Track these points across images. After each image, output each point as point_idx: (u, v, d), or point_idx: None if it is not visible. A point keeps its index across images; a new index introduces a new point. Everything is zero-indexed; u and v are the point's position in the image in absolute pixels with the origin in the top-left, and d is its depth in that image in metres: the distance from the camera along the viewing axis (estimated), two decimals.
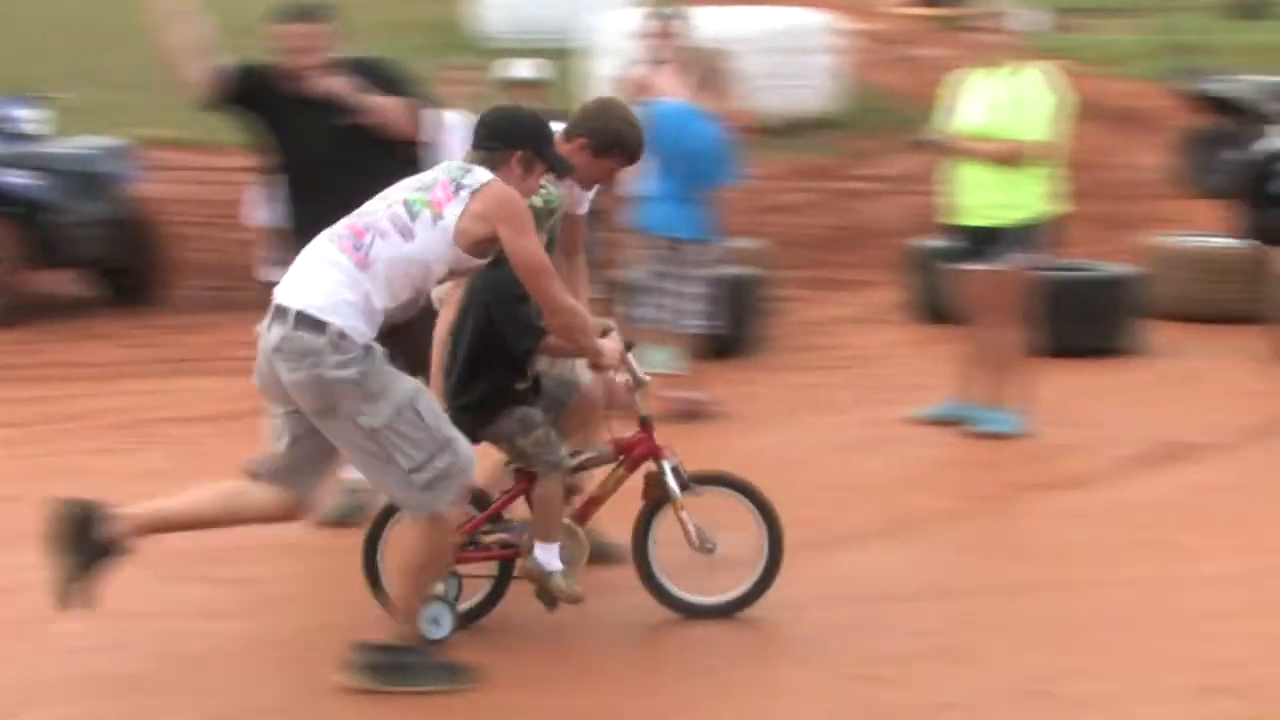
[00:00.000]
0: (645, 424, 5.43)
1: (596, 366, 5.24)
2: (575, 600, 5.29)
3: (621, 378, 5.39)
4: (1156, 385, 8.88)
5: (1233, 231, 10.56)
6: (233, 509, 4.97)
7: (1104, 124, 18.35)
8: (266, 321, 4.79)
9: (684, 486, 5.37)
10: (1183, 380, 8.95)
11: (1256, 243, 10.18)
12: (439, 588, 5.15)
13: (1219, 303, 10.12)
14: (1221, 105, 14.79)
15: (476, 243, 4.81)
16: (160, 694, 4.79)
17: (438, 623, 5.14)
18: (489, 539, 5.34)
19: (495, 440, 5.30)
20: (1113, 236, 12.78)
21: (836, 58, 16.94)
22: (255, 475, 4.93)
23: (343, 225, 4.88)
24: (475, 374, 5.26)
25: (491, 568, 5.36)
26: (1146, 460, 7.44)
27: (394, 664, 4.88)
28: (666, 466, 5.37)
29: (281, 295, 4.79)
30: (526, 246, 4.84)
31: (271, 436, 4.90)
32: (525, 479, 5.33)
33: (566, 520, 5.39)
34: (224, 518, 5.00)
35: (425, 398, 4.84)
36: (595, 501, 5.51)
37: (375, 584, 5.30)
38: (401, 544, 4.97)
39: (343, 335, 4.71)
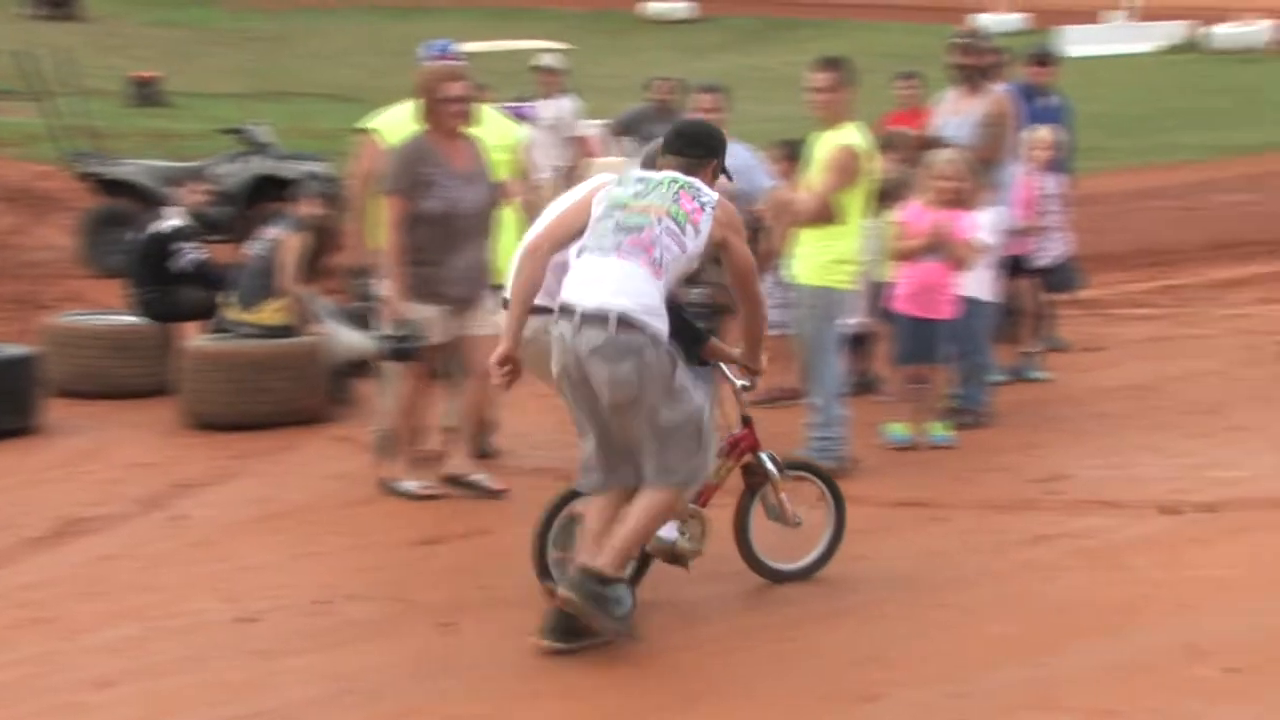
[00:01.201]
0: (747, 422, 6.49)
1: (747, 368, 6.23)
2: (698, 554, 6.35)
3: (740, 382, 6.38)
4: (58, 463, 8.91)
5: (131, 309, 10.83)
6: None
7: (12, 205, 18.13)
8: (569, 327, 5.65)
9: (780, 472, 6.51)
10: (84, 456, 9.05)
11: (151, 319, 10.56)
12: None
13: (120, 378, 10.35)
14: (116, 187, 15.24)
15: (710, 248, 5.79)
16: None
17: (621, 601, 5.85)
18: (646, 548, 6.21)
19: None
20: (22, 316, 12.70)
21: None
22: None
23: (624, 241, 5.70)
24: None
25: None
26: (46, 539, 7.46)
27: (602, 594, 5.74)
28: (765, 457, 6.50)
29: (590, 303, 5.61)
30: (746, 251, 5.92)
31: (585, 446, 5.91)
32: None
33: (691, 505, 6.26)
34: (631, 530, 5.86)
35: (709, 401, 5.95)
36: (711, 489, 6.38)
37: (544, 572, 6.26)
38: (646, 503, 5.82)
39: (657, 335, 5.66)
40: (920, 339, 8.85)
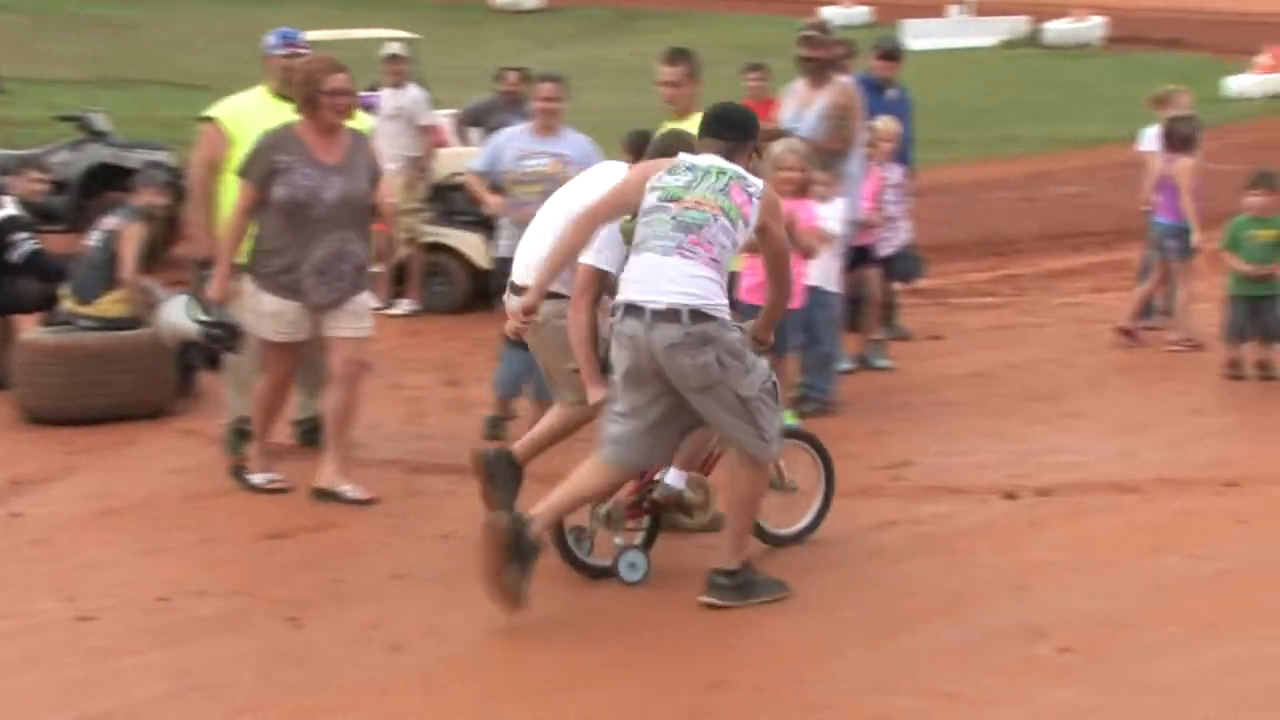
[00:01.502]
0: None
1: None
2: (706, 516, 6.97)
3: None
4: None
5: None
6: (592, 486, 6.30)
7: None
8: (639, 325, 6.01)
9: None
10: None
11: None
12: (618, 539, 6.61)
13: None
14: None
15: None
16: None
17: (635, 566, 6.57)
18: (655, 495, 6.70)
19: None
20: None
21: None
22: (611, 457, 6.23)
23: (683, 238, 6.02)
24: None
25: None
26: None
27: (742, 583, 6.25)
28: None
29: (661, 302, 5.98)
30: (783, 235, 6.35)
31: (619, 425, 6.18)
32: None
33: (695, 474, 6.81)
34: (590, 494, 6.36)
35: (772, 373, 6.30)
36: (714, 458, 6.86)
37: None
38: (750, 487, 6.30)
39: (724, 318, 6.04)
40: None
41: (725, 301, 6.13)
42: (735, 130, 6.35)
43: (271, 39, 8.70)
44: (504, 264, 9.24)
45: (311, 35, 10.24)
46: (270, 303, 7.71)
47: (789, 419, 8.97)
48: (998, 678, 5.60)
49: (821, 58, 10.00)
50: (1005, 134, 25.90)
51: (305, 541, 7.29)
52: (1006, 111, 28.61)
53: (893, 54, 11.64)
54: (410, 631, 6.10)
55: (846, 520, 7.36)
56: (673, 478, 6.74)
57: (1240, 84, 31.53)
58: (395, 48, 13.65)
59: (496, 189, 9.68)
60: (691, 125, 8.27)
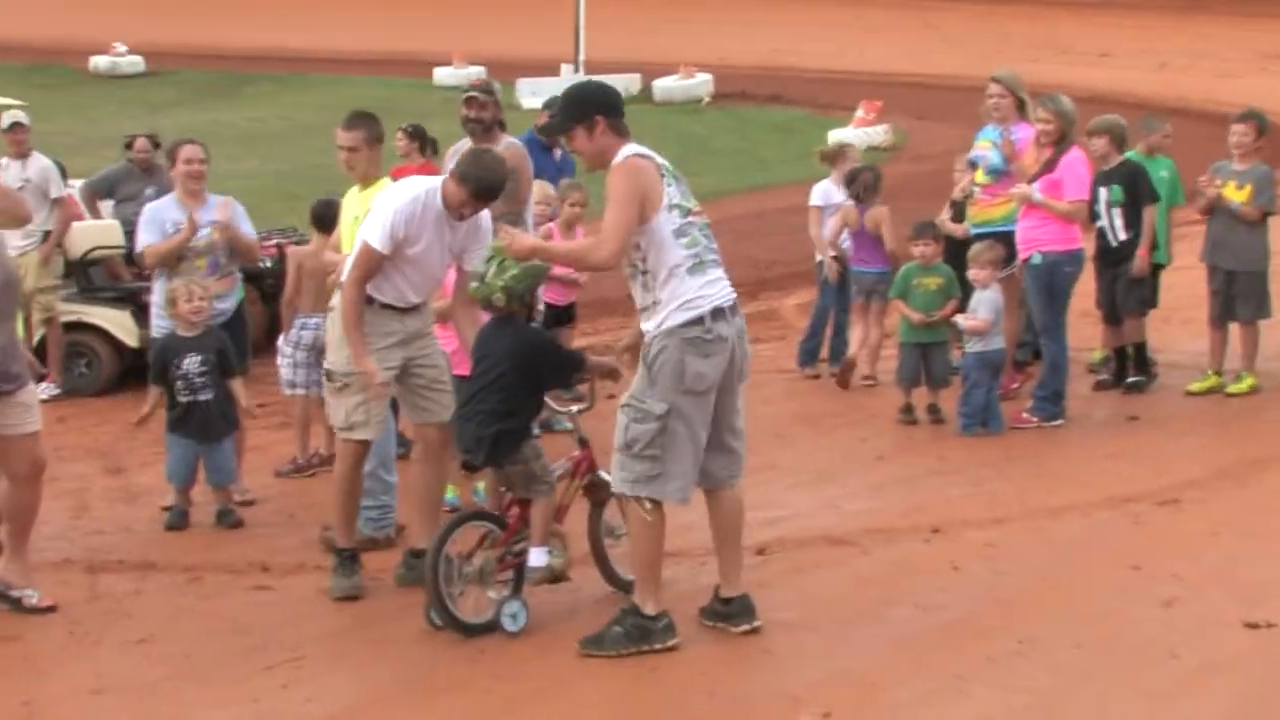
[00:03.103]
0: (585, 443, 7.22)
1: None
2: (568, 571, 7.00)
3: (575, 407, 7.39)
4: None
5: None
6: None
7: None
8: (728, 326, 6.43)
9: None
10: None
11: None
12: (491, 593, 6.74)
13: None
14: None
15: None
16: None
17: (516, 616, 6.74)
18: (516, 548, 6.81)
19: (515, 462, 6.81)
20: None
21: None
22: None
23: (711, 247, 6.51)
24: (519, 406, 6.80)
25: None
26: None
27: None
28: (604, 474, 6.98)
29: (730, 297, 6.49)
30: None
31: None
32: (520, 504, 6.88)
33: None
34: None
35: None
36: (564, 508, 7.08)
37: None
38: (739, 512, 6.82)
39: None
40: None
41: None
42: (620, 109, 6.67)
43: None
44: (167, 341, 8.75)
45: None
46: None
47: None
48: None
49: (488, 118, 9.79)
50: None
51: None
52: None
53: None
54: None
55: (565, 598, 7.11)
56: (536, 557, 6.78)
57: (842, 136, 32.79)
58: (17, 115, 12.78)
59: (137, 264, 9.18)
60: (374, 192, 7.96)
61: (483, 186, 7.12)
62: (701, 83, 38.23)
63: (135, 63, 39.40)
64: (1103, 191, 10.66)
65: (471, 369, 6.98)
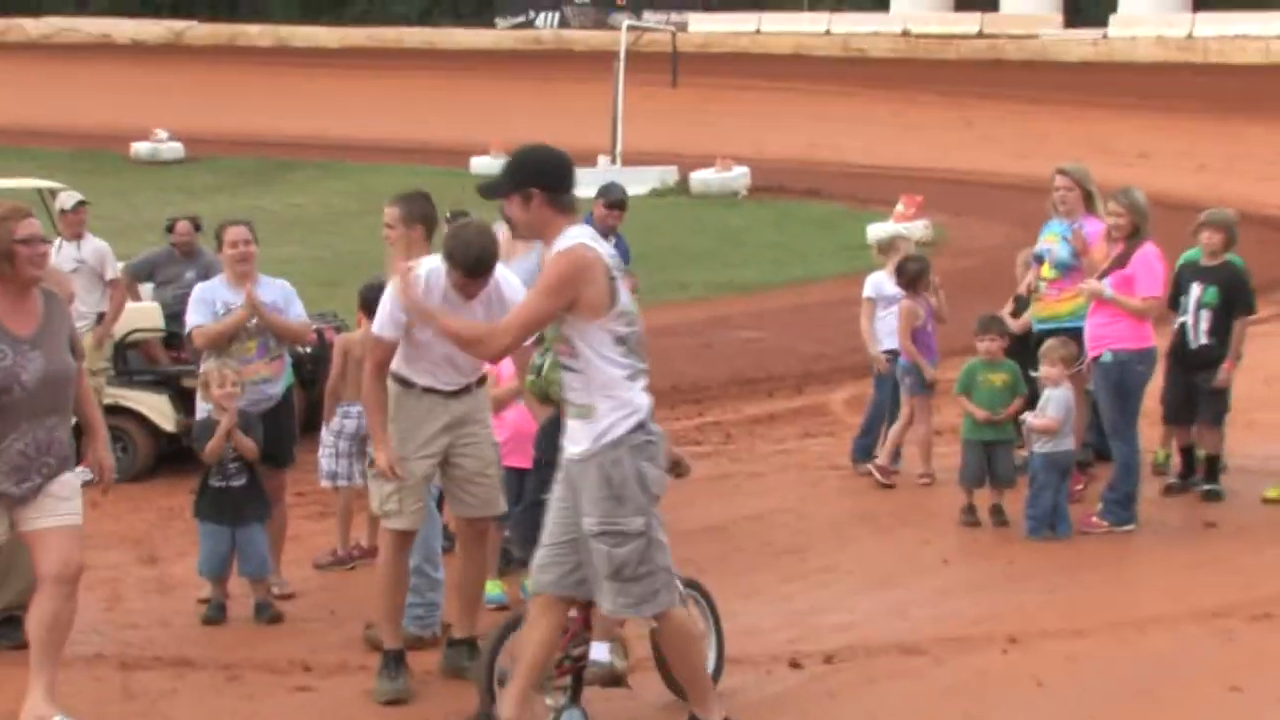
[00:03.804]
0: None
1: None
2: (628, 676, 6.52)
3: None
4: None
5: None
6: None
7: None
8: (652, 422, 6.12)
9: None
10: None
11: None
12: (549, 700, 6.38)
13: None
14: None
15: None
16: None
17: None
18: (575, 651, 6.44)
19: None
20: None
21: None
22: None
23: (644, 356, 6.10)
24: None
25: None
26: None
27: None
28: None
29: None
30: None
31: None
32: (581, 604, 6.38)
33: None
34: None
35: None
36: None
37: None
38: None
39: None
40: (515, 489, 8.25)
41: None
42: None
43: None
44: (203, 428, 8.44)
45: None
46: None
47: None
48: None
49: None
50: (671, 279, 25.95)
51: None
52: (666, 258, 28.71)
53: (619, 203, 11.31)
54: None
55: (623, 706, 6.72)
56: (598, 652, 6.38)
57: (881, 230, 32.57)
58: (72, 198, 12.58)
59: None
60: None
61: (469, 261, 6.83)
62: (738, 175, 38.19)
63: (176, 149, 39.52)
64: (1195, 288, 10.28)
65: (537, 467, 6.64)
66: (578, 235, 6.05)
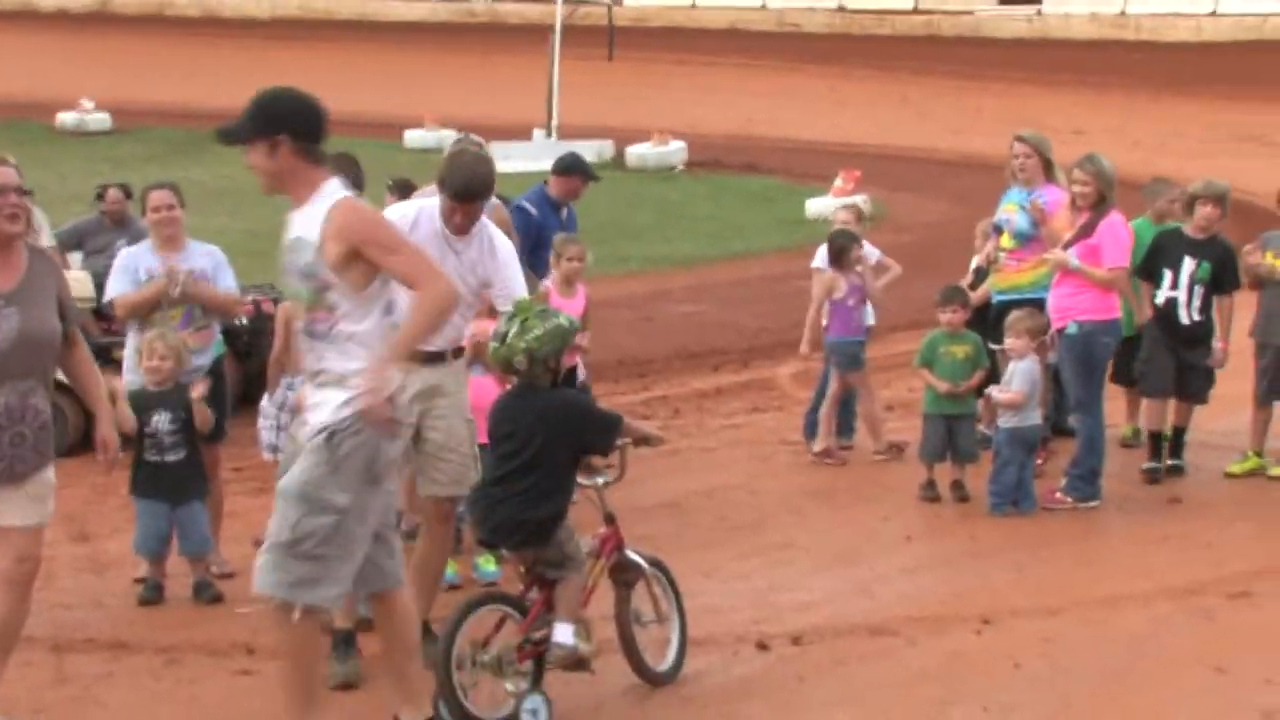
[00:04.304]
0: (612, 520, 6.54)
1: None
2: (592, 660, 6.20)
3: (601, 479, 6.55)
4: None
5: None
6: None
7: None
8: None
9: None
10: None
11: None
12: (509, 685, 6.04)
13: None
14: None
15: None
16: None
17: (537, 713, 6.02)
18: (537, 634, 6.10)
19: (550, 545, 6.13)
20: None
21: None
22: None
23: None
24: (560, 483, 6.18)
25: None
26: None
27: None
28: (631, 554, 6.51)
29: None
30: None
31: None
32: (543, 585, 6.19)
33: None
34: None
35: None
36: (588, 591, 6.32)
37: None
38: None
39: None
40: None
41: None
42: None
43: None
44: (136, 397, 8.06)
45: None
46: None
47: (488, 566, 8.08)
48: None
49: None
50: (609, 253, 25.60)
51: None
52: (604, 232, 28.34)
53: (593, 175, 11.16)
54: None
55: (589, 686, 6.42)
56: (562, 634, 6.11)
57: (820, 205, 32.39)
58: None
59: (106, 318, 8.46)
60: None
61: (460, 186, 6.51)
62: (675, 150, 37.88)
63: (102, 120, 38.78)
64: (1188, 263, 9.95)
65: (493, 443, 6.29)
66: (340, 189, 5.60)
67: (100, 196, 13.11)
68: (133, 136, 37.10)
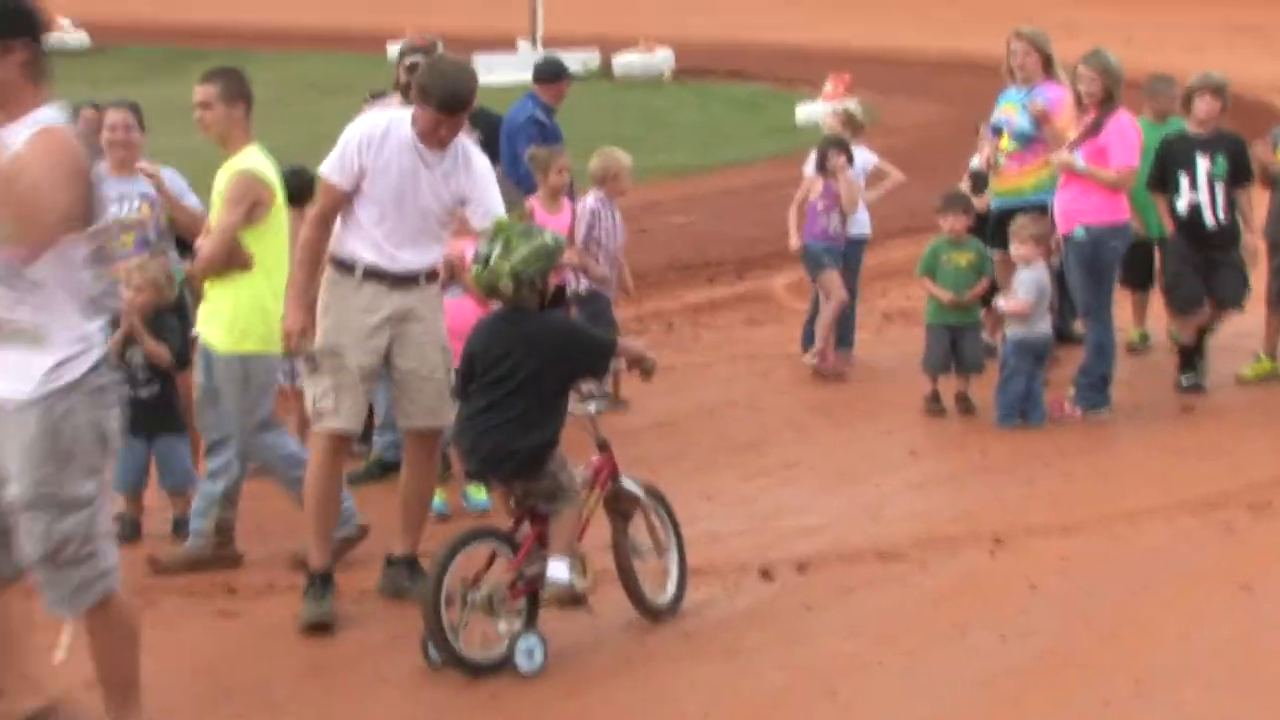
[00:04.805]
0: (605, 447, 6.25)
1: None
2: (589, 596, 5.99)
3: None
4: None
5: None
6: None
7: None
8: None
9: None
10: None
11: None
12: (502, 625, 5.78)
13: None
14: None
15: None
16: None
17: (532, 654, 5.77)
18: (530, 571, 5.83)
19: (541, 476, 5.86)
20: None
21: None
22: None
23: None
24: (551, 411, 5.90)
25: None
26: None
27: None
28: (627, 483, 6.21)
29: None
30: None
31: None
32: (535, 518, 5.91)
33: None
34: None
35: None
36: (585, 523, 6.03)
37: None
38: None
39: None
40: None
41: None
42: None
43: None
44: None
45: None
46: None
47: (477, 495, 7.76)
48: None
49: None
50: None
51: None
52: (591, 143, 27.89)
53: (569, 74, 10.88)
54: None
55: (586, 623, 6.12)
56: (557, 569, 5.80)
57: (810, 111, 31.91)
58: None
59: None
60: (241, 160, 6.88)
61: (446, 95, 6.11)
62: (662, 58, 37.31)
63: (81, 38, 38.23)
64: (1202, 162, 9.47)
65: (479, 369, 5.92)
66: (57, 115, 4.78)
67: (75, 116, 12.68)
68: (111, 55, 36.55)
